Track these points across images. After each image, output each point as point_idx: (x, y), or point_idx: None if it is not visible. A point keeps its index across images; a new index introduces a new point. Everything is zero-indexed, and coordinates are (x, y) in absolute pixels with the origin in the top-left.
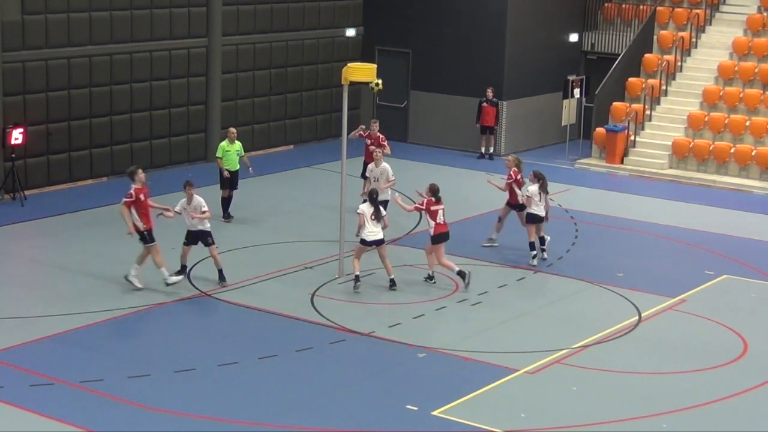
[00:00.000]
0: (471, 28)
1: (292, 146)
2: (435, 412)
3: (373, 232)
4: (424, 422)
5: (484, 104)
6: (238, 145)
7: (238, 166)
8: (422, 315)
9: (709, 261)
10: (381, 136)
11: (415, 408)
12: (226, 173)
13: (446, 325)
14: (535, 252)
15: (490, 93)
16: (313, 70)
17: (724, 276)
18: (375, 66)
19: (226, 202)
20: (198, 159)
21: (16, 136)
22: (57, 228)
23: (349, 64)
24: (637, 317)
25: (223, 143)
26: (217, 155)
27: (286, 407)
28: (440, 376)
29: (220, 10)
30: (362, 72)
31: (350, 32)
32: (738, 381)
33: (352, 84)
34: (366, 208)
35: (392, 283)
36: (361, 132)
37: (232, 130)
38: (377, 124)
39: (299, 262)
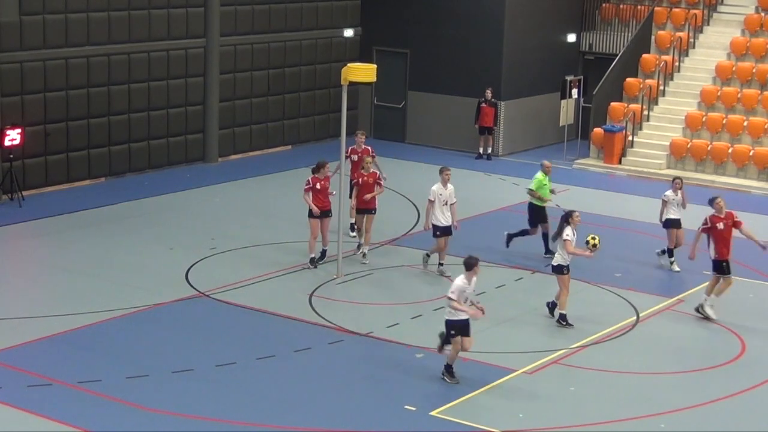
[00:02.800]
0: (469, 28)
1: (290, 147)
2: (433, 413)
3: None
4: (422, 422)
5: (483, 105)
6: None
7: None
8: (420, 315)
9: (707, 261)
10: (368, 148)
11: (414, 408)
12: (548, 202)
13: (443, 325)
14: (672, 258)
15: (489, 93)
16: (311, 71)
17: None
18: (375, 66)
19: (545, 238)
20: (196, 159)
21: (14, 137)
22: (55, 228)
23: (349, 65)
24: (635, 317)
25: (540, 176)
26: (532, 187)
27: (284, 408)
28: (438, 377)
29: (218, 11)
30: (361, 72)
31: (348, 33)
32: (736, 381)
33: (350, 84)
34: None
35: None
36: (346, 155)
37: (547, 163)
38: (363, 136)
39: (297, 262)
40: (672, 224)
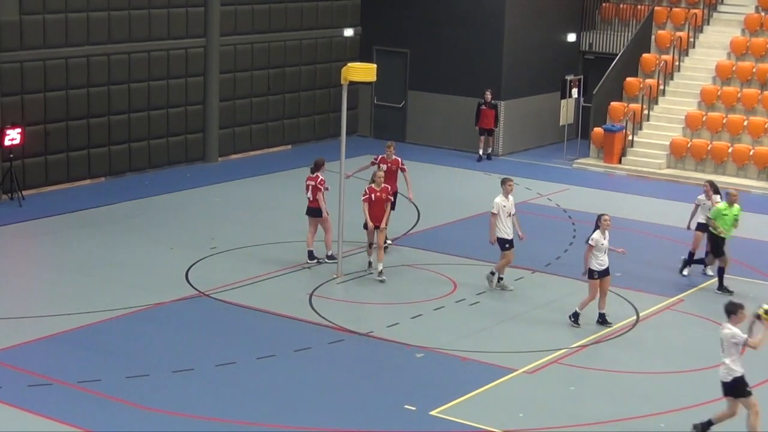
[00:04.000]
0: (469, 28)
1: (290, 146)
2: (433, 412)
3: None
4: (422, 422)
5: (483, 107)
6: (736, 209)
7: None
8: (420, 315)
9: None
10: (398, 159)
11: (414, 408)
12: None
13: (444, 324)
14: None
15: (488, 95)
16: (311, 70)
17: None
18: (375, 66)
19: (720, 273)
20: (196, 159)
21: (14, 136)
22: (55, 228)
23: (349, 64)
24: (635, 317)
25: (722, 205)
26: (710, 215)
27: (284, 407)
28: (438, 376)
29: (218, 10)
30: (362, 72)
31: (348, 32)
32: None
33: (350, 84)
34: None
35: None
36: (372, 160)
37: (733, 192)
38: (393, 147)
39: (297, 261)
40: (700, 228)
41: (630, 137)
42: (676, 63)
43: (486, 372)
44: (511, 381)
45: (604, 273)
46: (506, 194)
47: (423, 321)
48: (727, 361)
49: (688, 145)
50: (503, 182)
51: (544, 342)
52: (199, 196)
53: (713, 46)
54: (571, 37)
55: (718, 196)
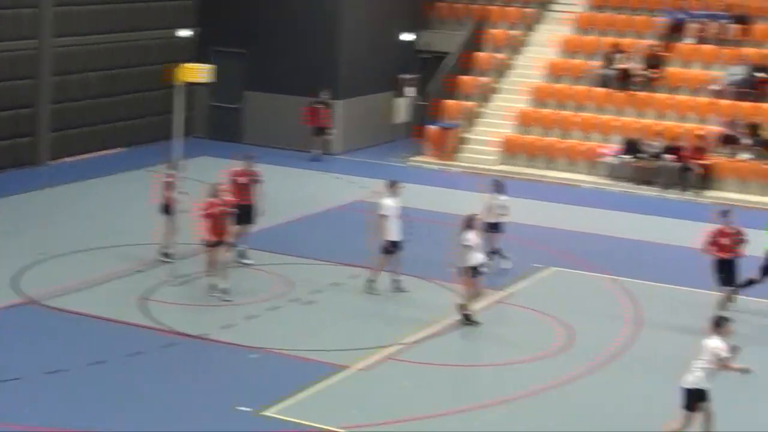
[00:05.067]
0: (306, 28)
1: (124, 148)
2: (268, 413)
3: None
4: (257, 423)
5: (316, 105)
6: None
7: None
8: (256, 316)
9: (537, 254)
10: (251, 171)
11: (248, 409)
12: None
13: (280, 324)
14: None
15: (323, 94)
16: (147, 71)
17: (552, 268)
18: (210, 66)
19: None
20: (25, 163)
21: None
22: None
23: (183, 65)
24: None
25: None
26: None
27: (113, 412)
28: (273, 377)
29: (51, 12)
30: (195, 72)
31: (184, 33)
32: (566, 369)
33: (187, 85)
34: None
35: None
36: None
37: None
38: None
39: (130, 266)
40: (491, 228)
41: (464, 135)
42: (510, 61)
43: (320, 370)
44: (345, 378)
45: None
46: (395, 196)
47: (258, 321)
48: (698, 372)
49: (520, 142)
50: (393, 184)
51: (378, 338)
52: (29, 200)
53: (545, 45)
54: (408, 37)
55: (504, 196)
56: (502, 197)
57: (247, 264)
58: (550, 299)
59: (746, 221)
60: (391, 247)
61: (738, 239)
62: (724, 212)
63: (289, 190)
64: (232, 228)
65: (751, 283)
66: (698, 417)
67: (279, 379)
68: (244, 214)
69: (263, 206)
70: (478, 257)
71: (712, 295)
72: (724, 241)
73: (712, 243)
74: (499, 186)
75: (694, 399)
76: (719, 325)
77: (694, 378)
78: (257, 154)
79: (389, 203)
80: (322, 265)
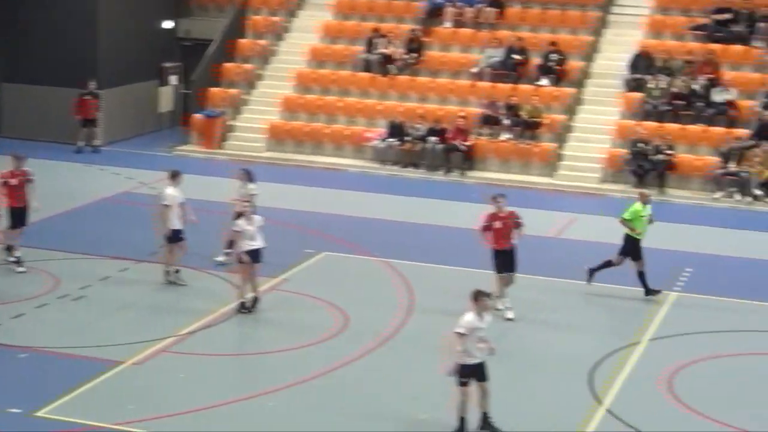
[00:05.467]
0: (61, 15)
1: None
2: (40, 413)
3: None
4: (28, 424)
5: (83, 96)
6: (649, 209)
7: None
8: (22, 314)
9: (308, 240)
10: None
11: (19, 410)
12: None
13: (48, 322)
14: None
15: (91, 85)
16: None
17: (323, 253)
18: None
19: (641, 277)
20: None
21: None
22: None
23: None
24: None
25: (638, 205)
26: (626, 217)
27: None
28: (44, 376)
29: None
30: None
31: None
32: (342, 352)
33: None
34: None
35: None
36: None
37: (645, 192)
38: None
39: None
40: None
41: (230, 122)
42: (272, 48)
43: (93, 367)
44: (119, 373)
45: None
46: (176, 185)
47: (25, 320)
48: (458, 348)
49: (287, 128)
50: (174, 174)
51: (151, 332)
52: None
53: (307, 30)
54: (168, 24)
55: (253, 185)
56: (251, 185)
57: (19, 268)
58: (324, 284)
59: (509, 199)
60: (175, 237)
61: (512, 222)
62: (497, 196)
63: (53, 183)
64: (6, 231)
65: (608, 264)
66: (472, 392)
67: (51, 379)
68: (18, 216)
69: (37, 204)
70: (250, 243)
71: (483, 274)
72: (497, 224)
73: (486, 229)
74: (247, 174)
75: (463, 374)
76: (476, 299)
77: (457, 354)
78: (20, 148)
79: (171, 193)
80: (90, 259)
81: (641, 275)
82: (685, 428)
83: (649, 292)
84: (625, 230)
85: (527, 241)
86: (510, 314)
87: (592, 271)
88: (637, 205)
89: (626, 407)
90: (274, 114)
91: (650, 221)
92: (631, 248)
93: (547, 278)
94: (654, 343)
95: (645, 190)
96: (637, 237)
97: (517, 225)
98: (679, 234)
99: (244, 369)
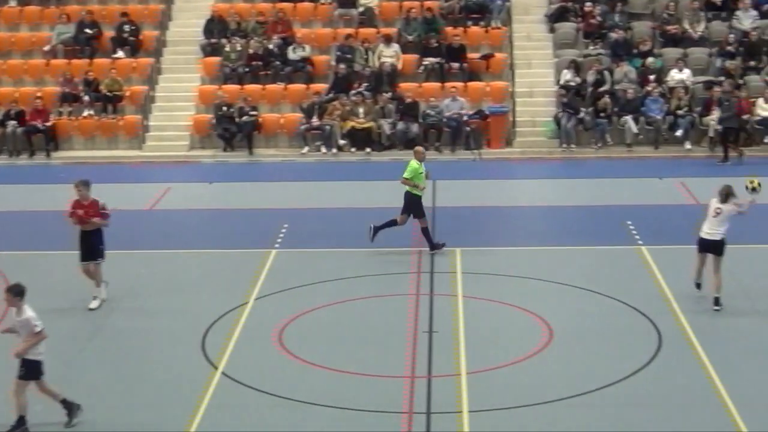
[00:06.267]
0: None
1: None
2: None
3: None
4: None
5: None
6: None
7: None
8: None
9: None
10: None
11: None
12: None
13: None
14: None
15: None
16: None
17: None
18: None
19: (425, 233)
20: None
21: None
22: None
23: None
24: None
25: (415, 163)
26: (406, 176)
27: None
28: None
29: None
30: None
31: None
32: None
33: None
34: None
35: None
36: None
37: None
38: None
39: None
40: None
41: None
42: None
43: None
44: None
45: None
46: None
47: None
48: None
49: None
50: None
51: None
52: None
53: None
54: None
55: None
56: None
57: None
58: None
59: (99, 176)
60: None
61: (93, 212)
62: (78, 184)
63: None
64: None
65: (393, 223)
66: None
67: None
68: None
69: None
70: None
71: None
72: (80, 212)
73: (71, 214)
74: None
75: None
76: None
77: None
78: None
79: None
80: None
81: (425, 231)
82: (302, 380)
83: (434, 246)
84: (407, 188)
85: (122, 216)
86: (94, 304)
87: (376, 229)
88: (414, 163)
89: (242, 368)
90: None
91: (427, 177)
92: (414, 206)
93: (146, 251)
94: (261, 301)
95: (420, 147)
96: (419, 194)
97: (103, 215)
98: (272, 192)
99: None
